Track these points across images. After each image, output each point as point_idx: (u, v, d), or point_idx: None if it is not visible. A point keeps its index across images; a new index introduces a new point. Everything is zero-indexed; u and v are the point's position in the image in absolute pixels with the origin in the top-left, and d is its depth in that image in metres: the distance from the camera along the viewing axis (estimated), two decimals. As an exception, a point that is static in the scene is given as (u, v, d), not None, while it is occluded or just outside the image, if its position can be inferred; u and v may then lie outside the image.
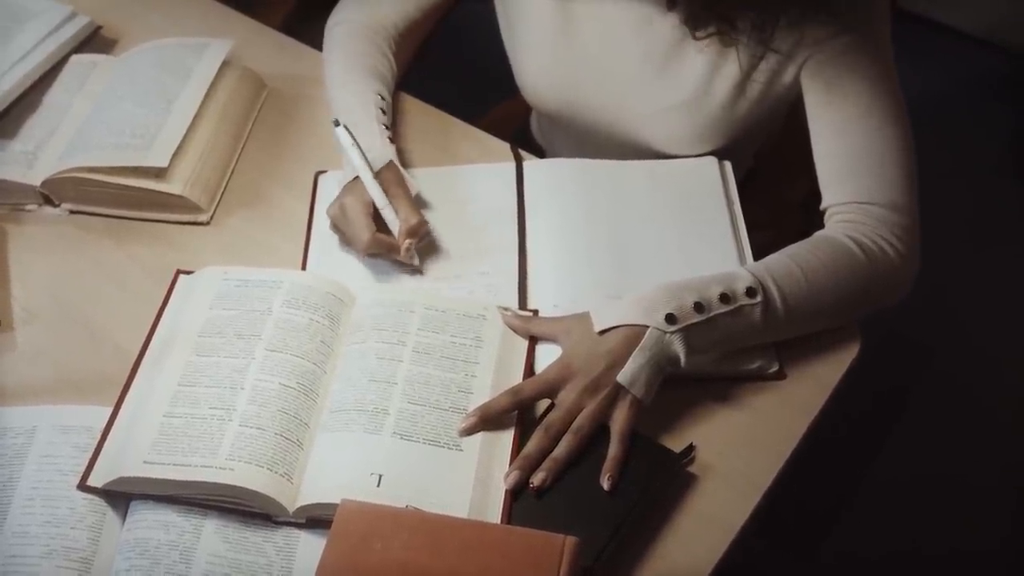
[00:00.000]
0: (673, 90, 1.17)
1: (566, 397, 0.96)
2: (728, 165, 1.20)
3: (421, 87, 1.49)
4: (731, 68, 1.13)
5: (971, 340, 2.10)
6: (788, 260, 1.03)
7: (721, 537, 0.92)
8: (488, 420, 0.95)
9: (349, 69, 1.23)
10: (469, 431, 0.94)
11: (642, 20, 1.15)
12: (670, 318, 0.96)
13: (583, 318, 1.00)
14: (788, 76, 1.12)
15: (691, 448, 0.97)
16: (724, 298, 0.98)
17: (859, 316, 1.07)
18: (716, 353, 1.01)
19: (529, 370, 1.01)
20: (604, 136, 1.25)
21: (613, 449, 0.94)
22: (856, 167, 1.08)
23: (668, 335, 0.96)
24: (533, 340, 1.04)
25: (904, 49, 1.20)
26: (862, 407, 1.96)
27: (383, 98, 1.21)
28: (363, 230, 1.08)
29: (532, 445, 0.94)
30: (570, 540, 0.80)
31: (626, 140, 1.23)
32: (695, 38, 1.09)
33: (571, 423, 0.95)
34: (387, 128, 1.18)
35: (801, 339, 1.05)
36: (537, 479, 0.92)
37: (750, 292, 0.99)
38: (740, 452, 0.98)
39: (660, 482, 0.93)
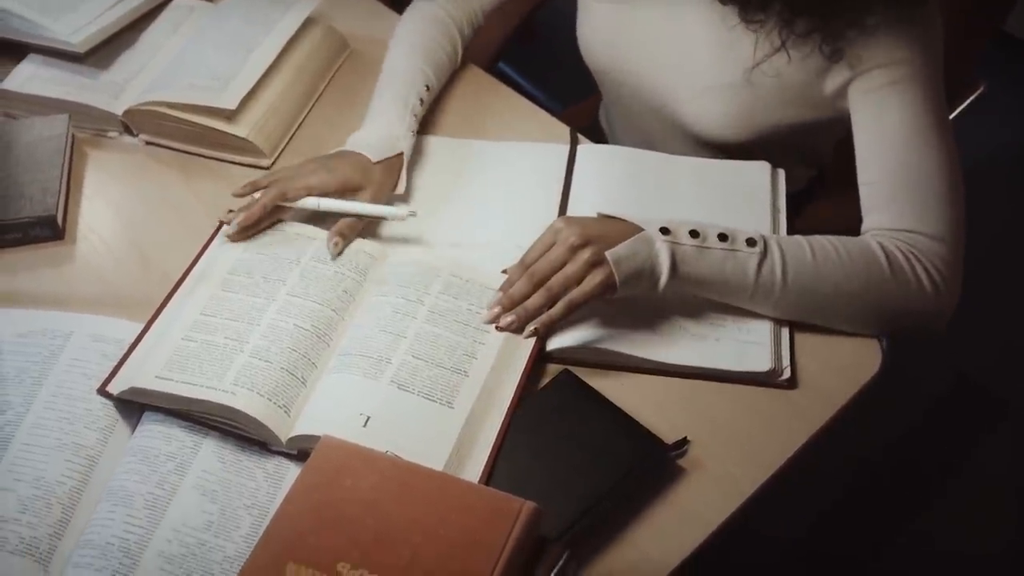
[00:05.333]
0: (713, 71, 1.17)
1: (558, 246, 1.01)
2: (781, 173, 1.19)
3: (516, 69, 1.51)
4: (779, 60, 1.12)
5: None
6: (802, 238, 1.04)
7: (696, 534, 0.92)
8: (513, 304, 1.02)
9: (412, 51, 1.27)
10: (493, 320, 1.02)
11: None
12: (664, 230, 1.00)
13: None
14: (831, 83, 1.11)
15: (684, 441, 0.97)
16: (722, 237, 1.01)
17: (881, 333, 1.05)
18: (699, 293, 1.03)
19: (539, 343, 1.03)
20: (645, 106, 1.27)
21: (555, 309, 1.00)
22: (897, 197, 1.06)
23: (659, 243, 0.99)
24: None
25: (1011, 75, 1.16)
26: (931, 455, 1.92)
27: (428, 89, 1.26)
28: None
29: (517, 288, 1.02)
30: (528, 505, 0.82)
31: (663, 111, 1.25)
32: (723, 2, 1.11)
33: (551, 275, 1.00)
34: (416, 119, 1.22)
35: (818, 350, 1.04)
36: (504, 322, 1.01)
37: (750, 242, 1.01)
38: (734, 455, 0.98)
39: (643, 471, 0.94)
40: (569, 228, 1.01)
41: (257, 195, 1.11)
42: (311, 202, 1.10)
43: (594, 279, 0.99)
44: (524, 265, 1.03)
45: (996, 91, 1.42)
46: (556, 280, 1.00)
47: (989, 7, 1.40)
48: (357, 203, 1.11)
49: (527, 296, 1.01)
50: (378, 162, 1.14)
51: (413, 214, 1.11)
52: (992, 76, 1.48)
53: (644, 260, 0.99)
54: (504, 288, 1.04)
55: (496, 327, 1.01)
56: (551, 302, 1.00)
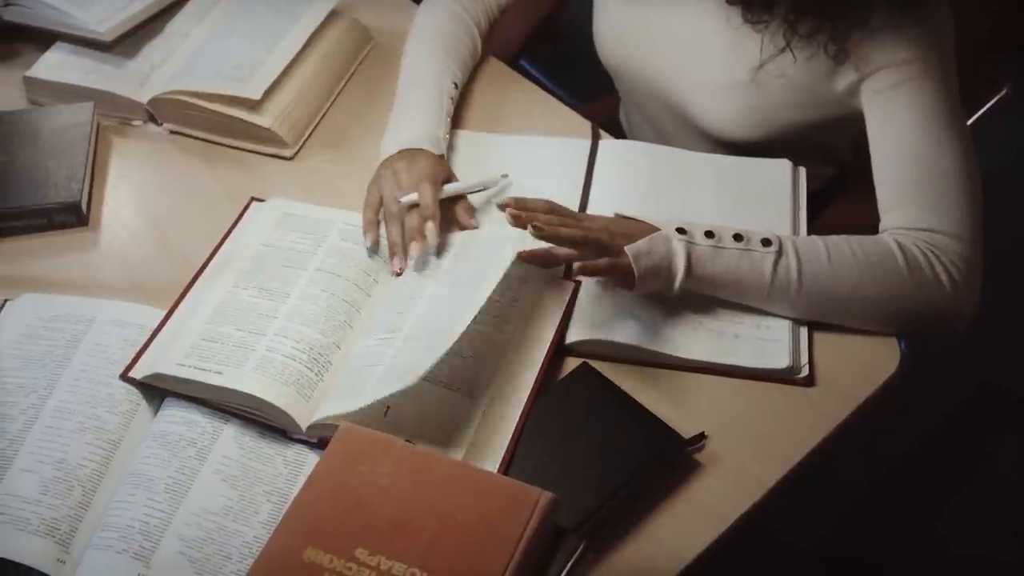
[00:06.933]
0: (721, 71, 1.17)
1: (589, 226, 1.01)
2: (802, 171, 1.19)
3: (539, 68, 1.51)
4: (784, 60, 1.13)
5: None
6: (817, 238, 1.04)
7: (712, 529, 0.92)
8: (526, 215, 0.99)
9: (437, 48, 1.27)
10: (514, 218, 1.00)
11: None
12: (680, 231, 1.01)
13: None
14: (840, 83, 1.11)
15: (702, 436, 0.97)
16: (737, 237, 1.01)
17: (900, 332, 1.05)
18: (715, 293, 1.03)
19: (558, 336, 1.03)
20: (659, 104, 1.28)
21: (568, 230, 0.99)
22: (912, 196, 1.06)
23: (675, 242, 1.00)
24: (573, 296, 1.06)
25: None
26: (949, 457, 1.91)
27: (456, 87, 1.26)
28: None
29: (543, 218, 0.99)
30: (546, 495, 0.82)
31: (676, 109, 1.25)
32: (729, 2, 1.12)
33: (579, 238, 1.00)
34: (449, 119, 1.23)
35: (836, 348, 1.04)
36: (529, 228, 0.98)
37: (765, 242, 1.01)
38: (751, 450, 0.98)
39: (660, 464, 0.94)
40: (591, 221, 1.02)
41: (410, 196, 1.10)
42: (446, 190, 1.13)
43: (613, 266, 0.99)
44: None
45: (1020, 94, 1.41)
46: (583, 224, 1.01)
47: (1012, 11, 1.40)
48: (464, 182, 1.15)
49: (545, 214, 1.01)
50: (440, 155, 1.16)
51: (506, 176, 1.17)
52: (1016, 79, 1.47)
53: (661, 258, 0.99)
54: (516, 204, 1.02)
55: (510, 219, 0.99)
56: (583, 238, 1.00)
